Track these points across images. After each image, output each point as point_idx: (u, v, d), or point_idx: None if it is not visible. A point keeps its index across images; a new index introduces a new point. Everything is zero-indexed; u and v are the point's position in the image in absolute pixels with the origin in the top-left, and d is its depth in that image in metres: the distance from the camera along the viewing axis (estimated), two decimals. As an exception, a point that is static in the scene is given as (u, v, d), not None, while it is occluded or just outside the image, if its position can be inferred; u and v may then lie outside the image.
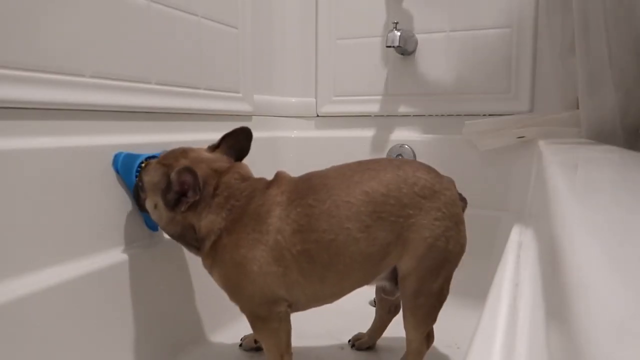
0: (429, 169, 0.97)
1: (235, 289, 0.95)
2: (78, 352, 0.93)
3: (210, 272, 0.98)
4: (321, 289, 0.93)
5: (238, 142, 1.04)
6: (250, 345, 1.20)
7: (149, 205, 1.00)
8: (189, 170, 0.90)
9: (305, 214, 0.90)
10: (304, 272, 0.90)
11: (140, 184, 1.01)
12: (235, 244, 0.92)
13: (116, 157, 1.06)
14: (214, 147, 1.03)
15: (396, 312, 1.15)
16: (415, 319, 0.97)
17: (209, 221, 0.94)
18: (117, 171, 1.06)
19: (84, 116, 1.03)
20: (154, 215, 1.00)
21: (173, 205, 0.93)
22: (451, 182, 0.98)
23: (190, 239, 0.98)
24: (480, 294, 0.68)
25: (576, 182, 0.57)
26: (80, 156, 0.99)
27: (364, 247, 0.89)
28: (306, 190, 0.93)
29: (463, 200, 1.00)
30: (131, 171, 1.06)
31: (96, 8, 1.04)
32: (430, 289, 0.94)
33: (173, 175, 0.91)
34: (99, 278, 0.98)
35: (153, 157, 1.12)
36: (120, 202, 1.08)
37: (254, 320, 0.97)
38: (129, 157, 1.07)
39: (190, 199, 0.92)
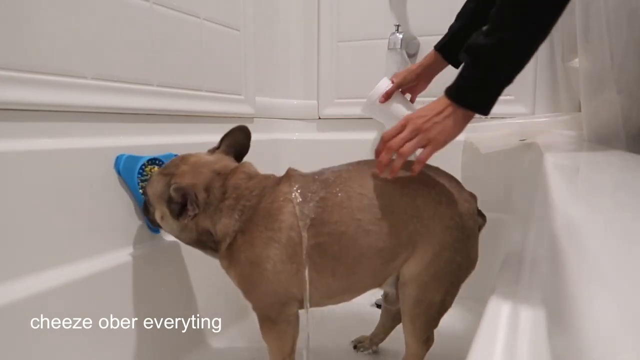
0: (451, 179, 0.97)
1: (250, 288, 0.95)
2: (80, 352, 0.93)
3: (227, 272, 0.98)
4: (333, 283, 0.92)
5: (237, 141, 1.04)
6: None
7: (157, 217, 1.00)
8: (183, 189, 0.91)
9: (318, 207, 0.90)
10: (317, 267, 0.90)
11: (146, 198, 1.01)
12: (250, 244, 0.92)
13: (118, 159, 1.06)
14: (214, 149, 1.04)
15: (400, 320, 1.14)
16: (414, 327, 0.96)
17: (223, 225, 0.94)
18: (118, 173, 1.06)
19: (85, 118, 1.03)
20: (165, 227, 1.00)
21: (177, 214, 0.93)
22: (472, 196, 0.97)
23: (208, 241, 0.98)
24: (482, 296, 0.68)
25: (578, 185, 0.57)
26: (82, 158, 0.99)
27: (374, 241, 0.89)
28: (320, 184, 0.93)
29: (482, 216, 0.98)
30: (133, 173, 1.07)
31: (98, 10, 1.04)
32: (432, 300, 0.92)
33: (172, 191, 0.91)
34: (100, 280, 0.98)
35: (155, 159, 1.12)
36: (121, 204, 1.07)
37: (263, 320, 0.98)
38: (131, 159, 1.07)
39: (190, 213, 0.93)
